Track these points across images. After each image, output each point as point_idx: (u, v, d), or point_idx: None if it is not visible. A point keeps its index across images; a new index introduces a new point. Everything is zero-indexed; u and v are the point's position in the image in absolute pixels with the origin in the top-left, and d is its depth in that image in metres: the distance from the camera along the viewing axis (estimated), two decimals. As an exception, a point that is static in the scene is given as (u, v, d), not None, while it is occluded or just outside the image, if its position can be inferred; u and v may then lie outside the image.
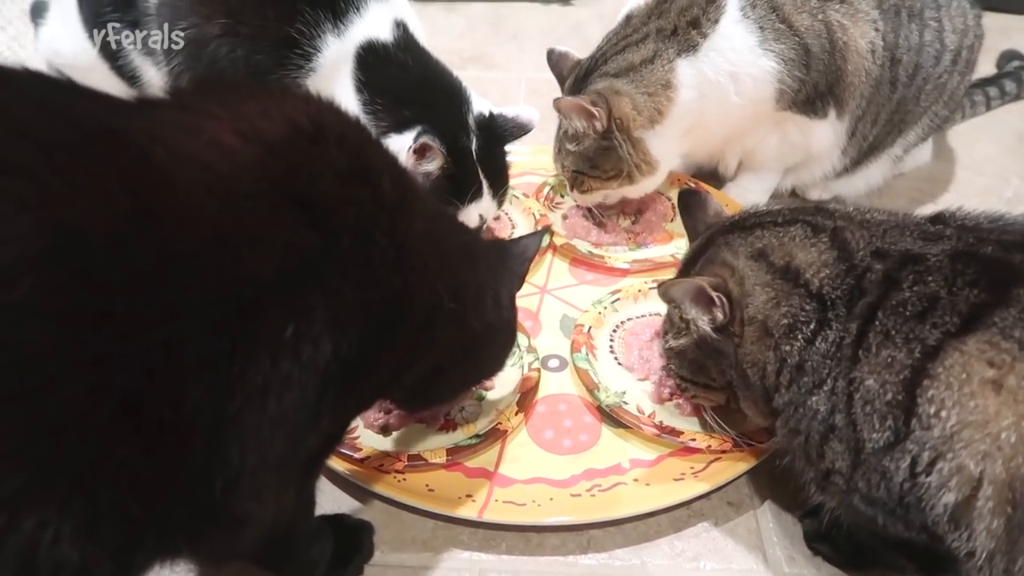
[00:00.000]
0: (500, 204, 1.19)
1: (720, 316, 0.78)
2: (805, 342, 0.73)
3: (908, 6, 1.20)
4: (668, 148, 1.21)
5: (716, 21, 1.14)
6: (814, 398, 0.72)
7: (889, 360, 0.67)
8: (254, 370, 0.51)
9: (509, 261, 0.83)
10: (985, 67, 1.49)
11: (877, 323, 0.69)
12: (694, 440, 0.91)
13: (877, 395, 0.67)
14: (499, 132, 1.17)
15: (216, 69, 1.10)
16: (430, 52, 1.19)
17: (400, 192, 0.64)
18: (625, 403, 0.97)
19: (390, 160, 0.67)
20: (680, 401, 0.96)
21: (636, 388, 1.00)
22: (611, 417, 0.95)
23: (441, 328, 0.69)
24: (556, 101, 1.14)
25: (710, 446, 0.90)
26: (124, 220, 0.45)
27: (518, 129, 1.18)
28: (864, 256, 0.74)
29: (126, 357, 0.45)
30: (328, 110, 0.63)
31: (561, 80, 1.27)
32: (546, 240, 1.24)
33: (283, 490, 0.62)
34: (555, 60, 1.29)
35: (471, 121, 1.14)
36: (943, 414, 0.63)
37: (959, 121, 1.49)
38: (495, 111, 1.18)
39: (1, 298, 0.39)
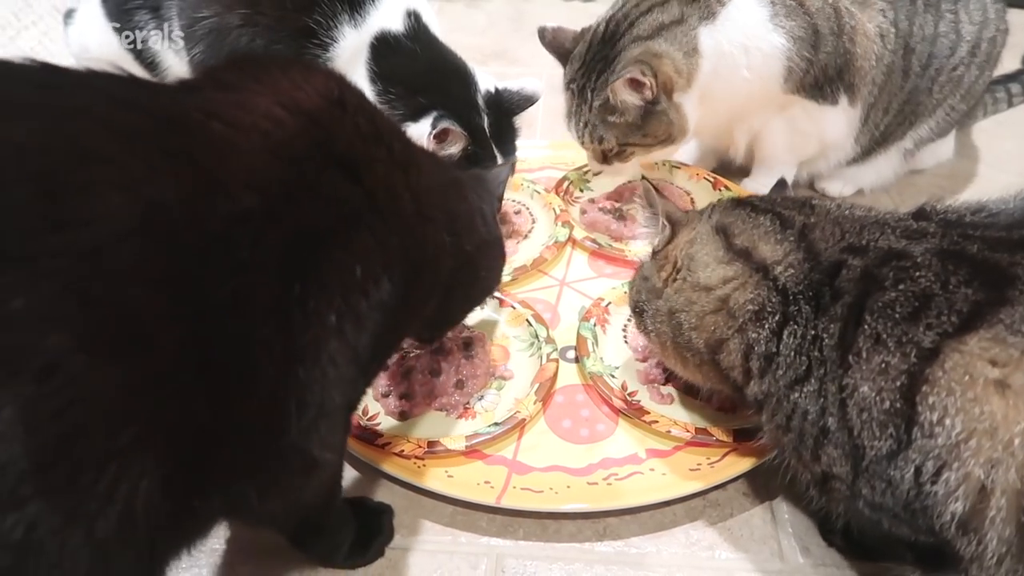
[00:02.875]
0: (512, 172, 1.23)
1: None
2: (771, 333, 0.74)
3: None
4: (694, 112, 1.20)
5: None
6: (795, 394, 0.71)
7: (883, 366, 0.65)
8: (329, 309, 0.57)
9: (488, 185, 0.92)
10: (1011, 63, 1.48)
11: (866, 327, 0.66)
12: (656, 423, 0.92)
13: (874, 403, 0.65)
14: (507, 106, 1.22)
15: None
16: (438, 38, 1.22)
17: (407, 152, 0.72)
18: (612, 376, 1.00)
19: (394, 125, 0.74)
20: (660, 387, 0.99)
21: (631, 368, 1.02)
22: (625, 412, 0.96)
23: (443, 262, 0.75)
24: (611, 84, 1.11)
25: (669, 431, 0.91)
26: (198, 189, 0.50)
27: (525, 101, 1.23)
28: (832, 252, 0.73)
29: (208, 312, 0.49)
30: (344, 83, 0.69)
31: (562, 54, 1.23)
32: (565, 234, 1.25)
33: (341, 435, 0.68)
34: (550, 37, 1.25)
35: (480, 100, 1.18)
36: (947, 422, 0.61)
37: (981, 118, 1.48)
38: (500, 86, 1.22)
39: (106, 262, 0.44)
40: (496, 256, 0.93)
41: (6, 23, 1.92)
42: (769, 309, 0.74)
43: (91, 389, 0.42)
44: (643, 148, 1.20)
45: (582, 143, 1.23)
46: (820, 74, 1.17)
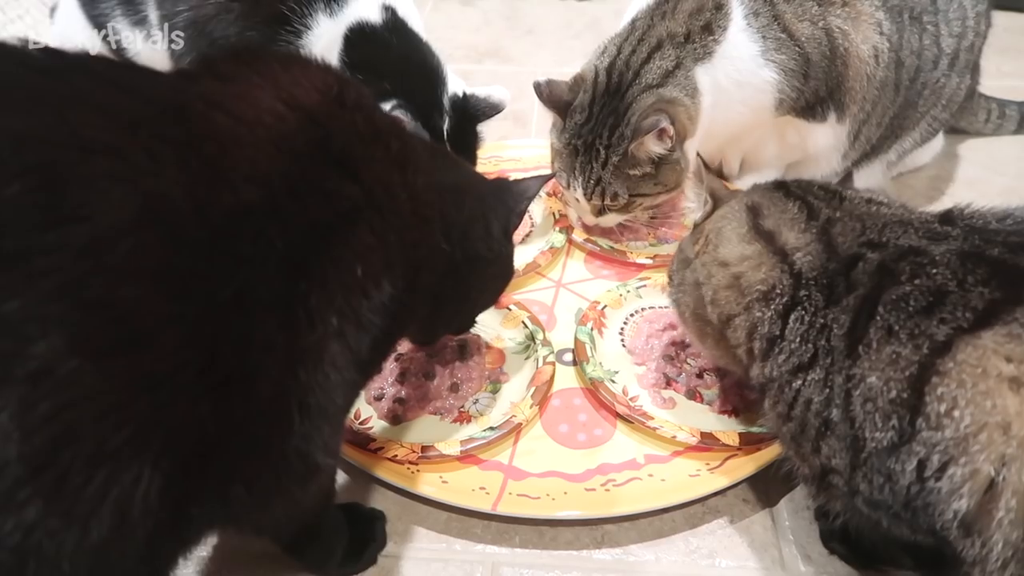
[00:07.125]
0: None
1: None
2: (776, 315, 0.73)
3: (910, 7, 1.18)
4: (694, 151, 1.18)
5: (725, 28, 1.13)
6: (797, 382, 0.71)
7: (893, 356, 0.63)
8: (330, 310, 0.55)
9: (506, 198, 0.85)
10: (1003, 64, 1.47)
11: (878, 318, 0.66)
12: (661, 428, 0.91)
13: (880, 392, 0.63)
14: (472, 112, 1.20)
15: (214, 48, 1.12)
16: (418, 34, 1.20)
17: (404, 150, 0.69)
18: (613, 381, 0.98)
19: (392, 121, 0.73)
20: (662, 391, 0.98)
21: (630, 372, 1.01)
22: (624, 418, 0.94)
23: (436, 266, 0.73)
24: (635, 147, 1.08)
25: (675, 436, 0.90)
26: (201, 182, 0.49)
27: (490, 109, 1.21)
28: (850, 247, 0.72)
29: (209, 310, 0.48)
30: (342, 79, 0.67)
31: (561, 107, 1.16)
32: (562, 240, 1.23)
33: (339, 439, 0.67)
34: (547, 92, 1.16)
35: (446, 101, 1.17)
36: (956, 414, 0.59)
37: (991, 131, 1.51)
38: (468, 91, 1.20)
39: (104, 259, 0.42)
40: (493, 277, 0.87)
41: (-8, 17, 1.89)
42: (778, 291, 0.74)
43: (82, 393, 0.41)
44: (651, 198, 1.17)
45: (588, 199, 1.16)
46: (811, 97, 1.17)
